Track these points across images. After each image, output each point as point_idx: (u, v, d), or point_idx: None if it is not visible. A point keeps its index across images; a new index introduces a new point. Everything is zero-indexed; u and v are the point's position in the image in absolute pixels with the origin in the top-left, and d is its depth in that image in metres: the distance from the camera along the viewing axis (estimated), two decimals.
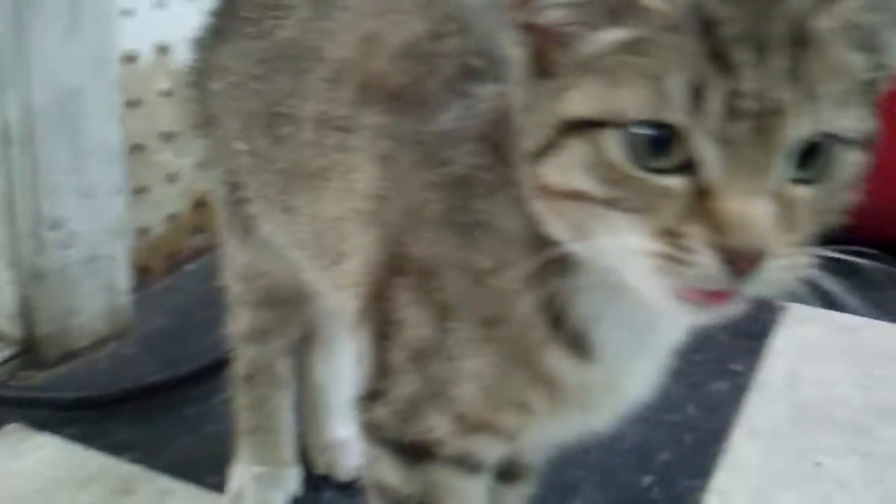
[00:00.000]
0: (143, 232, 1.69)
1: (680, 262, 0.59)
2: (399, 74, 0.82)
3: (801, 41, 0.59)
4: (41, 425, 1.34)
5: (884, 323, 1.63)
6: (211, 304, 1.65)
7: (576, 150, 0.62)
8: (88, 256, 1.49)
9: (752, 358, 1.52)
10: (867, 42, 0.63)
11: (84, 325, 1.52)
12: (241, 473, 1.21)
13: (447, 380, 0.77)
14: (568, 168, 0.63)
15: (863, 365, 1.54)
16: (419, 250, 0.77)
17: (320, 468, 1.26)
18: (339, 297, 0.90)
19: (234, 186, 1.03)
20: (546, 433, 0.83)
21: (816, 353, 1.56)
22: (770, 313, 1.62)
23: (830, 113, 0.60)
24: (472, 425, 0.79)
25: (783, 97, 0.58)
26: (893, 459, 1.33)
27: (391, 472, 0.83)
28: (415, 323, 0.78)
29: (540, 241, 0.68)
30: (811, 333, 1.61)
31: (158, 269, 1.74)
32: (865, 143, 0.63)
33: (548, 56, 0.65)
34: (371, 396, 0.83)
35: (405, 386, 0.80)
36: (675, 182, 0.60)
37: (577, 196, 0.63)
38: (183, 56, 1.16)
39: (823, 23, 0.60)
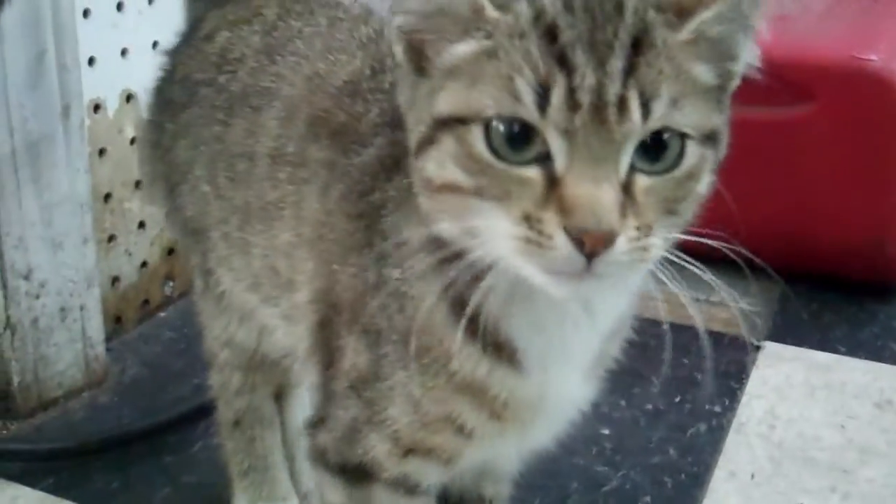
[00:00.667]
0: (114, 280, 1.68)
1: (539, 244, 0.66)
2: (339, 111, 0.89)
3: (640, 47, 0.67)
4: (17, 477, 1.32)
5: (858, 360, 1.64)
6: (185, 351, 1.65)
7: (446, 144, 0.69)
8: (60, 306, 1.48)
9: (730, 399, 1.52)
10: (717, 51, 0.71)
11: (58, 375, 1.50)
12: None
13: (382, 401, 0.81)
14: (442, 161, 0.69)
15: (839, 404, 1.54)
16: (348, 280, 0.83)
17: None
18: (291, 331, 0.95)
19: (204, 252, 1.05)
20: (484, 454, 0.87)
21: (793, 392, 1.56)
22: (746, 353, 1.62)
23: (666, 110, 0.67)
24: (407, 446, 0.83)
25: (618, 93, 0.65)
26: (875, 499, 1.33)
27: (335, 494, 0.89)
28: (352, 351, 0.83)
29: (437, 244, 0.74)
30: (787, 372, 1.61)
31: (131, 317, 1.72)
32: (710, 139, 0.71)
33: (422, 57, 0.72)
34: (316, 423, 0.89)
35: (346, 411, 0.85)
36: (531, 172, 0.66)
37: (451, 188, 0.69)
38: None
39: (661, 35, 0.68)
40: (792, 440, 1.44)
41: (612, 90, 0.65)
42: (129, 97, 1.64)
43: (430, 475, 0.87)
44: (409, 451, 0.84)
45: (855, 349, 1.69)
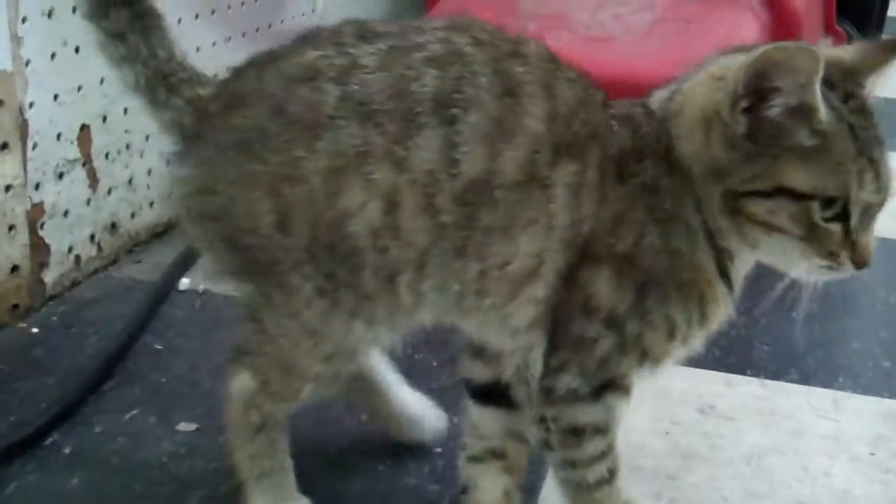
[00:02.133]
0: None
1: (835, 270, 1.03)
2: (579, 134, 1.07)
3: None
4: None
5: (681, 367, 1.68)
6: (2, 386, 1.57)
7: (782, 203, 1.00)
8: None
9: None
10: None
11: None
12: None
13: (643, 329, 1.08)
14: (774, 211, 1.00)
15: (664, 410, 1.58)
16: (622, 245, 1.06)
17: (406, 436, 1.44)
18: (503, 326, 1.12)
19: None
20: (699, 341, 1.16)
21: None
22: None
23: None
24: (649, 357, 1.11)
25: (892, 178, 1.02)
26: (700, 503, 1.37)
27: (586, 414, 1.12)
28: (612, 300, 1.07)
29: (710, 233, 1.07)
30: None
31: None
32: None
33: (761, 134, 1.00)
34: (558, 372, 1.11)
35: (600, 347, 1.08)
36: (836, 227, 1.00)
37: (773, 228, 1.02)
38: None
39: None
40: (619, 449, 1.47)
41: (889, 178, 1.01)
42: None
43: (637, 377, 1.13)
44: (645, 361, 1.11)
45: None
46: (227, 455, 1.26)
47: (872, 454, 1.50)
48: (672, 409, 1.59)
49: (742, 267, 1.13)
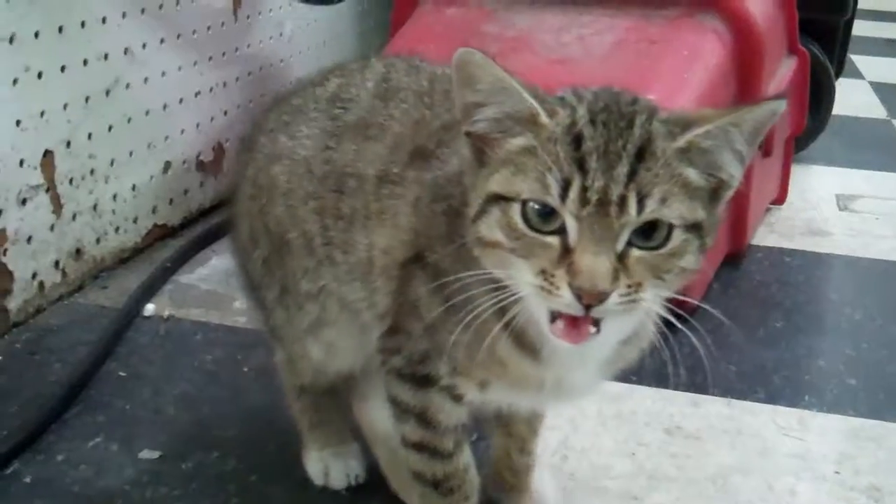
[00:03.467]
0: None
1: (550, 293, 0.91)
2: (431, 145, 1.14)
3: (643, 155, 0.91)
4: None
5: (648, 388, 1.69)
6: None
7: (494, 214, 0.95)
8: None
9: None
10: (705, 161, 0.95)
11: None
12: (317, 456, 1.43)
13: (448, 345, 1.06)
14: (490, 226, 0.95)
15: (630, 431, 1.58)
16: (432, 258, 1.08)
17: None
18: (375, 301, 1.19)
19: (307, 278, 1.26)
20: (510, 398, 1.16)
21: (586, 423, 1.60)
22: None
23: (657, 206, 0.91)
24: (459, 372, 1.11)
25: (620, 194, 0.90)
26: None
27: (405, 393, 1.17)
28: (427, 304, 1.09)
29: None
30: (581, 404, 1.64)
31: None
32: (695, 228, 0.94)
33: (483, 153, 0.98)
34: (392, 351, 1.16)
35: (422, 345, 1.12)
36: (552, 240, 0.92)
37: (495, 245, 0.95)
38: None
39: (661, 145, 0.92)
40: (584, 470, 1.47)
41: (616, 191, 0.90)
42: None
43: (470, 392, 1.14)
44: (459, 374, 1.12)
45: (646, 377, 1.74)
46: (191, 481, 1.25)
47: (837, 472, 1.50)
48: (638, 431, 1.59)
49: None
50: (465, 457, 1.21)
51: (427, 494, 1.21)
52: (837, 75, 2.83)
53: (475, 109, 0.97)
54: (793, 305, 2.06)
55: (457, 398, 1.15)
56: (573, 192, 0.90)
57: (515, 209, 0.93)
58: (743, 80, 2.01)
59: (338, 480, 1.42)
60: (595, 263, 0.89)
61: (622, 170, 0.90)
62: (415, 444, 1.19)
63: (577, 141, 0.92)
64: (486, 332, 1.00)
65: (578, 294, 0.89)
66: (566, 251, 0.91)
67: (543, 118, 0.94)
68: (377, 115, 1.21)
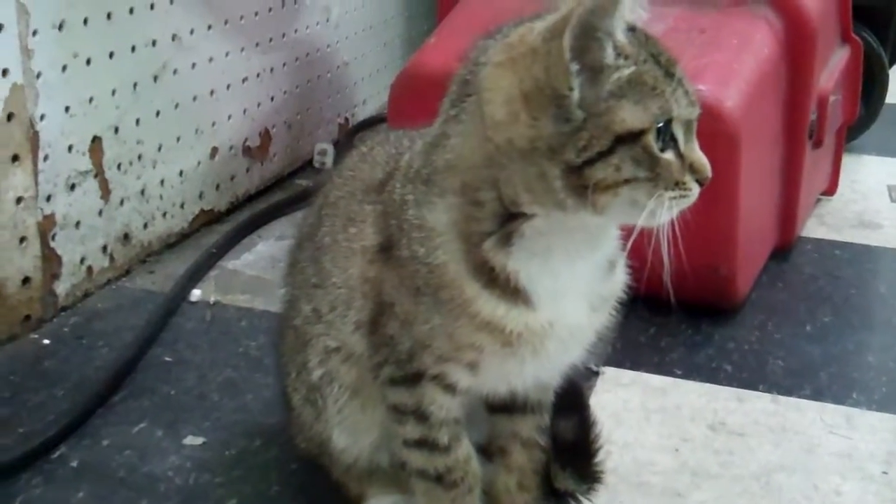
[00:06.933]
0: None
1: (685, 197, 1.01)
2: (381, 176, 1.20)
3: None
4: None
5: (693, 383, 1.68)
6: (10, 399, 1.58)
7: (626, 152, 0.97)
8: None
9: None
10: None
11: None
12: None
13: (426, 335, 1.10)
14: (621, 165, 0.97)
15: (674, 427, 1.57)
16: (394, 262, 1.12)
17: None
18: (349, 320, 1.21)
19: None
20: (504, 371, 1.14)
21: (629, 417, 1.59)
22: (587, 379, 1.63)
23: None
24: (445, 359, 1.12)
25: (693, 90, 1.02)
26: None
27: (400, 396, 1.17)
28: (399, 300, 1.12)
29: (468, 233, 1.06)
30: (625, 397, 1.64)
31: None
32: None
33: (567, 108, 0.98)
34: (380, 366, 1.18)
35: (402, 344, 1.13)
36: (670, 155, 0.99)
37: (622, 183, 0.98)
38: None
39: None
40: (627, 465, 1.46)
41: (692, 90, 1.02)
42: None
43: (461, 378, 1.14)
44: (445, 360, 1.12)
45: (691, 372, 1.73)
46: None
47: (885, 473, 1.47)
48: (682, 426, 1.57)
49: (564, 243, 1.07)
50: (465, 448, 1.21)
51: (430, 490, 1.21)
52: (891, 64, 2.78)
53: (593, 45, 0.97)
54: (842, 300, 2.03)
55: (449, 388, 1.15)
56: (682, 99, 0.99)
57: (650, 140, 0.98)
58: (794, 70, 1.98)
59: None
60: (701, 154, 1.03)
61: (683, 74, 1.02)
62: (415, 442, 1.19)
63: (655, 58, 1.00)
64: (459, 299, 1.06)
65: (702, 183, 1.02)
66: (681, 157, 1.00)
67: (629, 48, 0.99)
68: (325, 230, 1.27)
